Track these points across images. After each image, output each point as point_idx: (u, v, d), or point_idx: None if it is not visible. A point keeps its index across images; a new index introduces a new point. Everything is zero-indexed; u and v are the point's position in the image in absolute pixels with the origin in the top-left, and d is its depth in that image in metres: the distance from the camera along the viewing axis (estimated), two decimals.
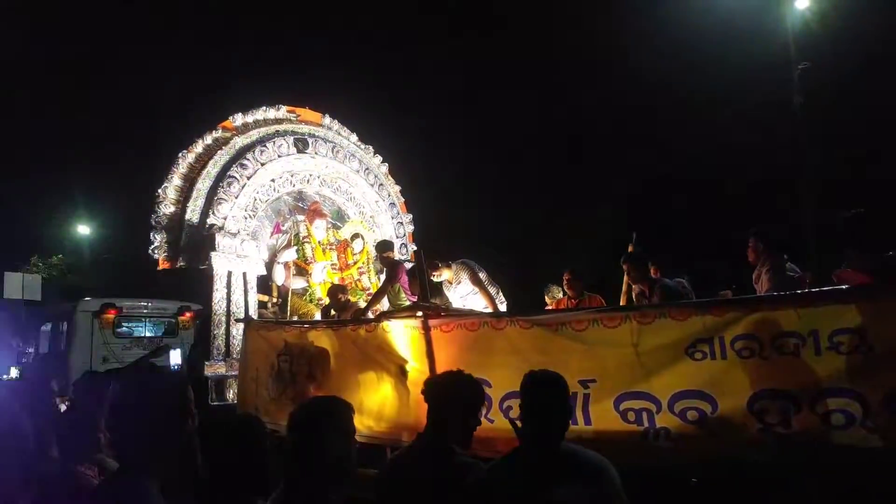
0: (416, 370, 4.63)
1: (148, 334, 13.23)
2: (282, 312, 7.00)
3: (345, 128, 8.46)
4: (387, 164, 8.98)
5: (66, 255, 24.26)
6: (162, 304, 11.84)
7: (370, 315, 5.18)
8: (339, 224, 8.17)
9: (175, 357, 5.16)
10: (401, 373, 4.70)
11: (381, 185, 8.71)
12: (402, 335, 4.72)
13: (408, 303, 5.44)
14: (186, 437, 1.98)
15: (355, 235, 7.92)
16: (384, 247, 5.77)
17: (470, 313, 4.61)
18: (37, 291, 16.06)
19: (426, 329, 4.47)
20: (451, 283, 5.77)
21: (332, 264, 7.51)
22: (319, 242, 7.47)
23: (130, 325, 13.20)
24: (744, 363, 3.27)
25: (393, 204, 8.86)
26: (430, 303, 4.77)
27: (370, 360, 4.95)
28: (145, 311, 13.16)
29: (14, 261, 24.81)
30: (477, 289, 5.63)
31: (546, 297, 6.73)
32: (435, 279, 5.51)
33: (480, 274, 5.82)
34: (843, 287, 3.29)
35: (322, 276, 7.17)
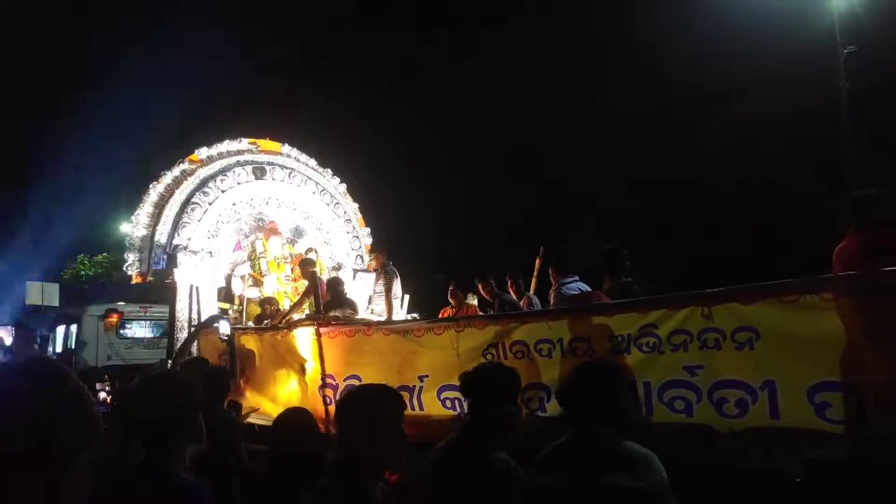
0: (313, 368, 5.80)
1: (148, 335, 14.65)
2: (241, 319, 8.19)
3: (303, 154, 9.59)
4: (344, 185, 10.11)
5: (111, 253, 25.32)
6: (160, 308, 13.12)
7: (284, 323, 6.32)
8: (296, 239, 9.31)
9: (224, 327, 6.10)
10: (301, 370, 5.87)
11: (338, 203, 9.83)
12: (304, 340, 5.86)
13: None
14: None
15: (309, 249, 9.06)
16: (306, 264, 6.92)
17: (349, 321, 5.74)
18: (55, 297, 17.60)
19: (318, 335, 5.62)
20: (371, 269, 7.29)
21: (286, 276, 8.66)
22: (275, 257, 8.63)
23: (132, 327, 14.60)
24: (517, 363, 4.34)
25: (349, 220, 9.98)
26: (321, 314, 5.92)
27: (282, 360, 6.12)
28: (145, 315, 14.55)
29: (63, 259, 26.43)
30: (384, 292, 6.85)
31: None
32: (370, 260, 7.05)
33: (394, 282, 7.04)
34: (569, 307, 4.35)
35: (274, 287, 8.35)
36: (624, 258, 4.58)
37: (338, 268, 9.52)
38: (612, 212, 19.04)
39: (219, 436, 3.35)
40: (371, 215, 11.06)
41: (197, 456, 2.48)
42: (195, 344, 6.88)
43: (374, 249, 7.58)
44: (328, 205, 9.66)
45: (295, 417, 3.09)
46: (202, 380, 3.73)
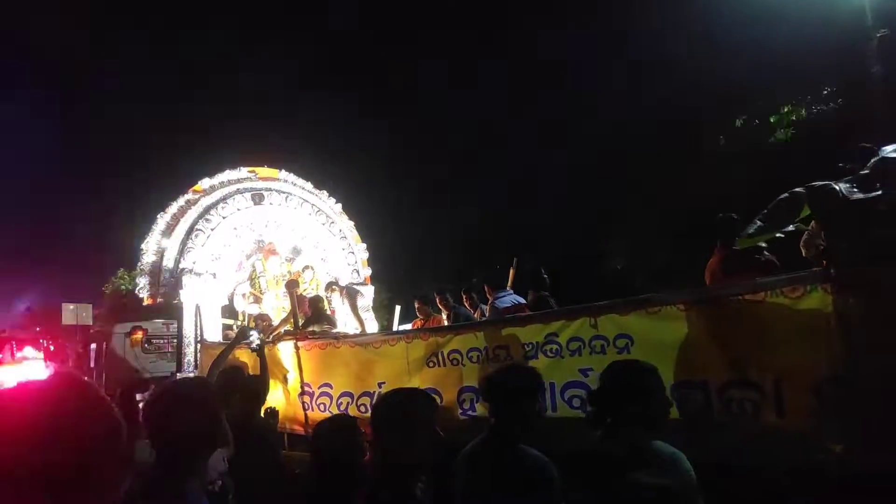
0: (294, 378, 6.53)
1: (170, 350, 15.62)
2: None
3: (299, 178, 10.40)
4: (340, 204, 10.87)
5: None
6: None
7: (272, 338, 7.04)
8: (294, 257, 10.11)
9: (255, 338, 6.49)
10: (284, 380, 6.59)
11: (333, 222, 10.61)
12: (286, 353, 6.58)
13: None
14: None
15: (306, 267, 9.83)
16: (290, 285, 7.67)
17: (324, 335, 6.44)
18: (88, 317, 18.77)
19: (297, 348, 6.34)
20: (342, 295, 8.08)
21: (284, 293, 9.44)
22: (274, 276, 9.43)
23: (155, 342, 15.61)
24: (454, 368, 4.98)
25: (344, 237, 10.74)
26: (299, 329, 6.64)
27: (270, 371, 6.83)
28: (167, 331, 15.54)
29: (105, 274, 27.77)
30: (350, 310, 7.59)
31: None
32: (329, 295, 7.78)
33: (357, 299, 7.75)
34: (491, 320, 4.99)
35: (273, 303, 9.13)
36: (542, 275, 5.17)
37: (335, 282, 10.25)
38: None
39: (256, 442, 3.52)
40: (372, 230, 11.83)
41: (234, 461, 2.67)
42: (200, 355, 7.68)
43: (327, 287, 8.50)
44: (324, 224, 10.43)
45: (338, 425, 3.02)
46: (239, 388, 4.01)
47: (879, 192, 2.66)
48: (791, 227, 3.24)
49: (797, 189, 3.04)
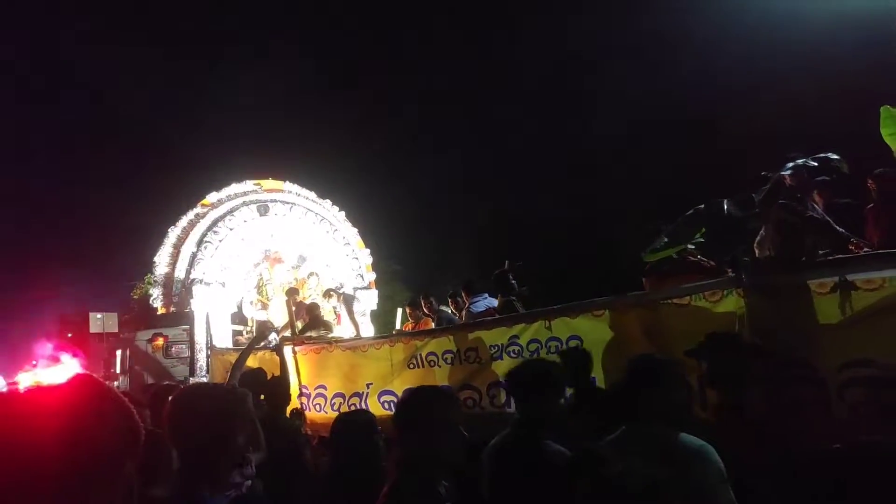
0: (292, 381, 6.97)
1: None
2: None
3: (303, 189, 10.90)
4: (343, 212, 11.35)
5: None
6: None
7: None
8: (299, 265, 10.61)
9: (274, 337, 6.67)
10: None
11: (336, 230, 11.08)
12: (286, 356, 7.01)
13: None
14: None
15: (311, 274, 10.31)
16: (290, 293, 8.16)
17: (320, 339, 6.89)
18: (114, 325, 19.65)
19: (294, 352, 6.80)
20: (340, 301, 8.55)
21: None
22: (280, 283, 9.93)
23: (176, 348, 16.28)
24: (433, 369, 5.40)
25: (348, 244, 11.21)
26: (295, 335, 7.11)
27: (271, 374, 7.27)
28: (187, 337, 16.18)
29: (131, 279, 28.63)
30: (347, 314, 8.06)
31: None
32: (328, 301, 8.28)
33: (355, 306, 8.21)
34: (462, 324, 5.38)
35: (280, 309, 9.63)
36: (509, 280, 5.56)
37: (339, 287, 10.72)
38: None
39: (283, 443, 3.54)
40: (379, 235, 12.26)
41: (261, 462, 2.72)
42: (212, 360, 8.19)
43: (325, 293, 9.00)
44: (328, 232, 10.91)
45: (356, 420, 3.08)
46: (264, 389, 4.21)
47: (754, 211, 3.00)
48: (692, 243, 3.57)
49: (698, 207, 3.39)
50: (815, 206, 4.46)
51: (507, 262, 8.96)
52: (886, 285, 2.93)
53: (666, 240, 3.59)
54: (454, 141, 27.72)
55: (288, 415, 4.58)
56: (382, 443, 2.86)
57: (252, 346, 7.38)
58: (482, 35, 29.00)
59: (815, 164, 3.20)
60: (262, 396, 4.30)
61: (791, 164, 3.20)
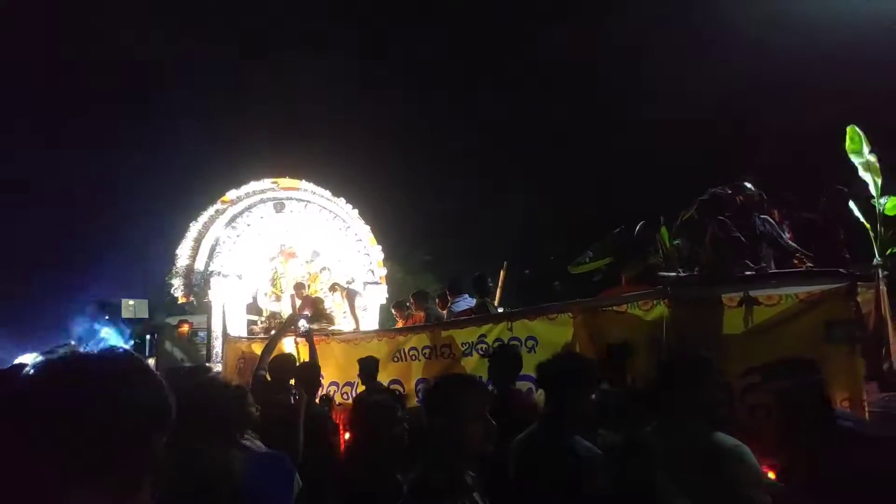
0: None
1: None
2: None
3: (319, 187, 11.47)
4: (356, 210, 11.89)
5: None
6: None
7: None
8: (313, 259, 11.19)
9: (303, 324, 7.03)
10: None
11: (349, 227, 11.62)
12: (287, 348, 7.57)
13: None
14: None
15: (323, 268, 10.89)
16: (297, 287, 8.71)
17: (321, 332, 7.42)
18: (144, 311, 20.67)
19: (296, 344, 7.34)
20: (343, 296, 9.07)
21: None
22: (293, 277, 10.53)
23: (202, 334, 17.08)
24: (413, 363, 5.89)
25: (360, 240, 11.74)
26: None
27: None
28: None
29: (159, 274, 29.86)
30: (350, 310, 8.58)
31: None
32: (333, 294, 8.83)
33: (356, 299, 8.74)
34: (439, 323, 5.83)
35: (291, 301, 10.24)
36: (486, 283, 5.99)
37: (351, 281, 11.26)
38: None
39: (311, 428, 3.69)
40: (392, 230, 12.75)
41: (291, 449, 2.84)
42: (224, 351, 8.83)
43: (331, 287, 9.59)
44: (340, 229, 11.45)
45: (378, 403, 3.11)
46: (295, 375, 4.36)
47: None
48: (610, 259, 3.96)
49: (623, 227, 3.78)
50: (767, 221, 4.79)
51: (504, 263, 9.42)
52: (783, 301, 3.30)
53: (591, 254, 3.99)
54: (483, 134, 27.92)
55: (318, 401, 4.68)
56: (404, 429, 2.88)
57: (284, 330, 7.70)
58: (511, 29, 29.08)
59: (730, 191, 3.54)
60: (293, 381, 4.58)
61: (711, 190, 3.55)
